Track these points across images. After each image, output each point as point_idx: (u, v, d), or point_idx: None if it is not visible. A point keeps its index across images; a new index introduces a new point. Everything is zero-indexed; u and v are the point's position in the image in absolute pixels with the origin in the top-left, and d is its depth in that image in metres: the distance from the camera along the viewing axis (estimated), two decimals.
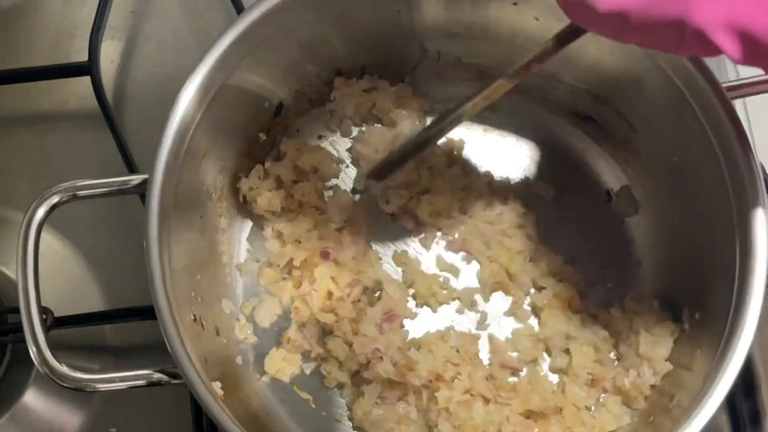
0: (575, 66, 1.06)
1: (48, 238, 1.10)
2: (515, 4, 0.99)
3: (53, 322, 0.97)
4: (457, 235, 1.13)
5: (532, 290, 1.11)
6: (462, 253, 1.13)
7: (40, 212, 0.91)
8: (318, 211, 1.11)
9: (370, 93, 1.14)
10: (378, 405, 1.05)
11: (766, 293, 0.89)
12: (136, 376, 0.89)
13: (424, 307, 1.11)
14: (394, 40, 1.08)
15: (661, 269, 1.10)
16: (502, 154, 1.16)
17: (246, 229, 1.13)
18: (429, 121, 1.16)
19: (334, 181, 1.15)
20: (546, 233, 1.13)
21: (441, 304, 1.11)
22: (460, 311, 1.11)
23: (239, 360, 1.07)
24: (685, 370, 0.99)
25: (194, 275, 1.01)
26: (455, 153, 1.15)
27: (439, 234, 1.14)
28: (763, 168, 0.93)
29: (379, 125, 1.16)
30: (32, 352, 0.88)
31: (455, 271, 1.13)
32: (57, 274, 1.12)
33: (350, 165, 1.16)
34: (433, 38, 1.09)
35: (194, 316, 0.97)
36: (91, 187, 0.93)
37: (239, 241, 1.12)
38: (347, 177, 1.16)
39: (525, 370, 1.07)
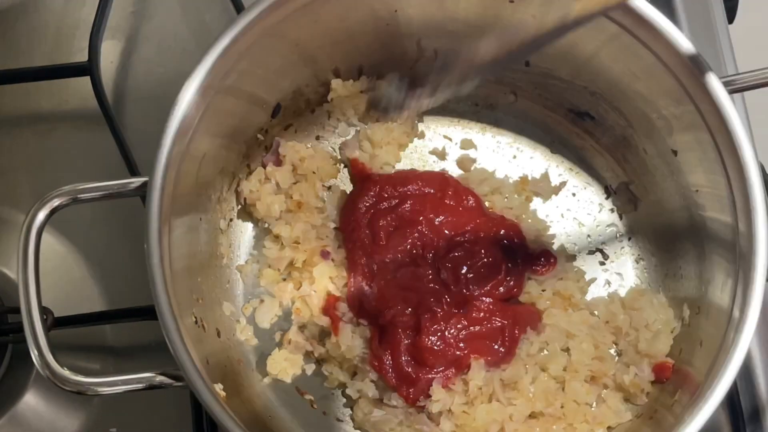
0: (571, 62, 1.06)
1: (48, 239, 1.10)
2: (512, 1, 0.99)
3: (53, 323, 0.97)
4: None
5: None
6: None
7: (41, 215, 0.90)
8: (317, 211, 1.11)
9: (367, 93, 1.14)
10: (379, 406, 1.05)
11: (767, 289, 0.89)
12: (138, 379, 0.88)
13: None
14: (390, 40, 1.08)
15: (662, 265, 1.10)
16: (500, 151, 1.16)
17: (246, 230, 1.13)
18: (427, 121, 1.16)
19: (332, 181, 1.15)
20: (545, 231, 1.13)
21: None
22: None
23: (241, 362, 1.07)
24: (686, 366, 0.99)
25: (195, 277, 1.01)
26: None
27: None
28: (762, 166, 0.93)
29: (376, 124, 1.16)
30: (33, 354, 0.88)
31: None
32: (57, 274, 1.12)
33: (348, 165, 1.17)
34: (429, 37, 1.08)
35: (195, 318, 0.97)
36: (91, 190, 0.92)
37: (239, 242, 1.12)
38: (345, 177, 1.16)
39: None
